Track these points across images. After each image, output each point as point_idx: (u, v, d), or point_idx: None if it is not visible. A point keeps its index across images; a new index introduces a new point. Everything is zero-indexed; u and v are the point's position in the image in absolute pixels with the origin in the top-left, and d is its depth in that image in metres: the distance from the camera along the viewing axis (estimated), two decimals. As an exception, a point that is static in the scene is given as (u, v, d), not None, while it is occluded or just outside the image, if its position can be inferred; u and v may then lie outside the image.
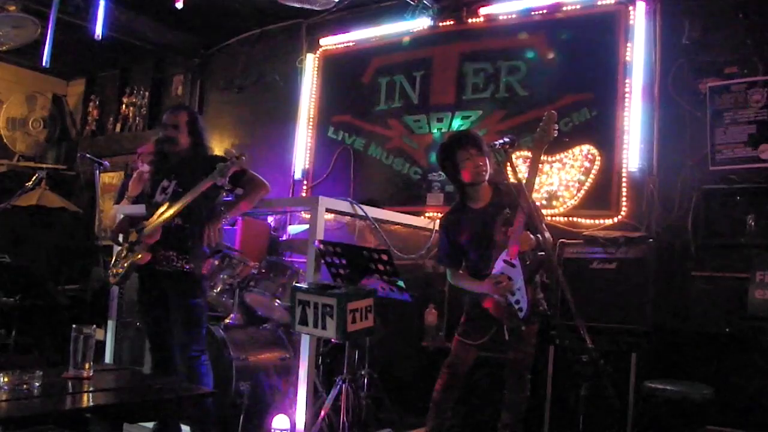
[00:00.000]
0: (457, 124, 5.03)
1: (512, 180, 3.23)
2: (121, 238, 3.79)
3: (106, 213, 5.15)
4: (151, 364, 3.75)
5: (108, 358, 4.68)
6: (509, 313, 3.22)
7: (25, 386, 2.38)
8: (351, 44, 5.76)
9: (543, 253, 3.20)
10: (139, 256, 3.48)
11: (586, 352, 2.85)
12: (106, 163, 4.52)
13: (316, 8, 4.50)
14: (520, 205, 3.10)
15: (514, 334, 3.27)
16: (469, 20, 5.15)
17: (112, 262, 3.74)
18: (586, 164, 4.42)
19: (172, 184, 3.63)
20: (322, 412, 3.75)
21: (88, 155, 5.17)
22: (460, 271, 3.47)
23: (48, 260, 6.54)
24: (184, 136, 3.67)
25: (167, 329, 3.60)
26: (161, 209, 3.52)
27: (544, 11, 4.81)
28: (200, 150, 3.72)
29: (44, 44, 5.13)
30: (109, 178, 7.03)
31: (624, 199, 4.30)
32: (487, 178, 3.40)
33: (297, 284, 3.66)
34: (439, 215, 4.43)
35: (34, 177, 4.40)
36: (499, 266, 3.22)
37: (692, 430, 3.47)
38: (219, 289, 4.15)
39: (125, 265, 3.55)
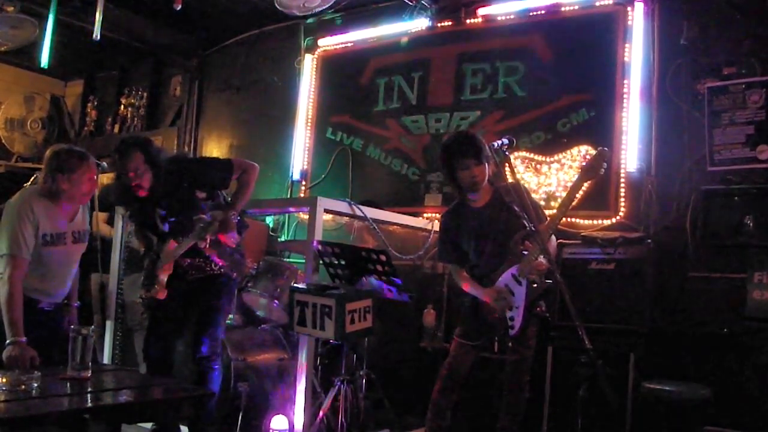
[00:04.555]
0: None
1: (510, 180, 3.23)
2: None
3: (101, 218, 5.12)
4: (146, 363, 3.71)
5: (106, 358, 4.68)
6: (501, 326, 3.23)
7: (23, 387, 2.38)
8: (349, 45, 5.77)
9: (550, 281, 3.21)
10: (157, 291, 3.42)
11: (585, 353, 2.85)
12: (104, 164, 4.48)
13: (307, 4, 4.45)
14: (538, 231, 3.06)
15: (502, 346, 3.28)
16: (468, 21, 5.16)
17: (141, 280, 3.63)
18: (585, 165, 4.42)
19: (165, 213, 3.52)
20: (321, 413, 3.75)
21: (86, 156, 5.15)
22: (464, 273, 3.47)
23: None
24: (147, 178, 3.37)
25: (177, 330, 3.60)
26: (172, 247, 3.44)
27: (543, 12, 4.82)
28: (168, 176, 3.43)
29: (43, 45, 5.13)
30: (107, 179, 7.01)
31: (622, 199, 4.30)
32: (483, 185, 3.38)
33: (295, 285, 3.66)
34: (438, 216, 4.44)
35: (33, 178, 4.40)
36: (506, 278, 3.22)
37: (690, 431, 3.47)
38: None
39: (146, 295, 3.50)
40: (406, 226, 4.73)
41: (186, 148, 6.76)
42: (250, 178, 3.60)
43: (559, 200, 4.44)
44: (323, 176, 5.71)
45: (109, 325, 4.73)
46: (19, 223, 3.19)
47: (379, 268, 3.43)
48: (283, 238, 5.52)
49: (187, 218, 3.39)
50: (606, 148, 3.21)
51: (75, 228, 3.45)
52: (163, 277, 3.43)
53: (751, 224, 3.84)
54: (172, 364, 3.58)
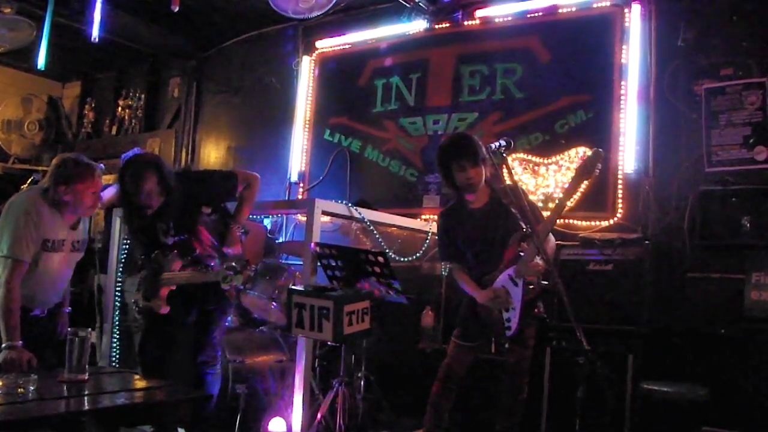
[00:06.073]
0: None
1: (508, 182, 3.23)
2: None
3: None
4: (142, 366, 3.71)
5: (103, 360, 4.67)
6: (498, 327, 3.23)
7: (20, 390, 2.38)
8: (347, 46, 5.77)
9: (546, 282, 3.20)
10: (160, 306, 3.40)
11: (583, 354, 2.85)
12: (102, 165, 4.48)
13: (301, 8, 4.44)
14: (534, 231, 3.05)
15: (500, 347, 3.28)
16: (466, 22, 5.16)
17: (137, 285, 3.60)
18: (579, 165, 4.41)
19: (170, 228, 3.47)
20: (319, 415, 3.75)
21: (84, 158, 5.14)
22: (464, 273, 3.44)
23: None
24: (158, 199, 3.31)
25: (175, 332, 3.59)
26: (177, 266, 3.42)
27: (540, 13, 4.82)
28: (177, 197, 3.39)
29: (40, 46, 5.12)
30: (105, 181, 6.99)
31: (620, 200, 4.30)
32: (480, 186, 3.38)
33: (293, 286, 3.66)
34: (436, 217, 4.43)
35: (30, 179, 4.40)
36: (503, 279, 3.22)
37: (688, 431, 3.47)
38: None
39: (142, 304, 3.48)
40: (404, 228, 4.72)
41: (184, 150, 6.76)
42: (253, 192, 3.64)
43: (557, 201, 4.46)
44: (321, 178, 5.71)
45: (107, 326, 4.72)
46: (24, 226, 3.15)
47: (378, 270, 3.43)
48: (281, 240, 5.51)
49: (192, 237, 3.39)
50: (600, 149, 3.21)
51: (75, 237, 3.43)
52: (165, 293, 3.42)
53: (748, 225, 3.85)
54: (168, 366, 3.57)
